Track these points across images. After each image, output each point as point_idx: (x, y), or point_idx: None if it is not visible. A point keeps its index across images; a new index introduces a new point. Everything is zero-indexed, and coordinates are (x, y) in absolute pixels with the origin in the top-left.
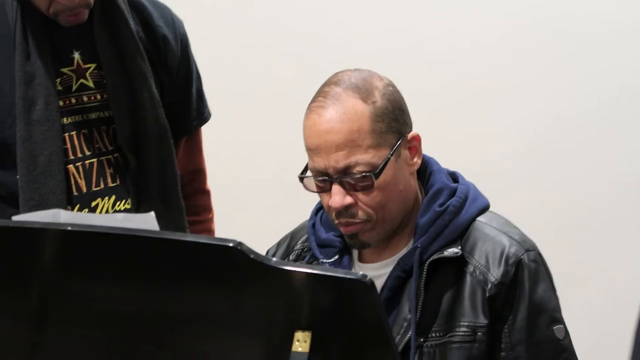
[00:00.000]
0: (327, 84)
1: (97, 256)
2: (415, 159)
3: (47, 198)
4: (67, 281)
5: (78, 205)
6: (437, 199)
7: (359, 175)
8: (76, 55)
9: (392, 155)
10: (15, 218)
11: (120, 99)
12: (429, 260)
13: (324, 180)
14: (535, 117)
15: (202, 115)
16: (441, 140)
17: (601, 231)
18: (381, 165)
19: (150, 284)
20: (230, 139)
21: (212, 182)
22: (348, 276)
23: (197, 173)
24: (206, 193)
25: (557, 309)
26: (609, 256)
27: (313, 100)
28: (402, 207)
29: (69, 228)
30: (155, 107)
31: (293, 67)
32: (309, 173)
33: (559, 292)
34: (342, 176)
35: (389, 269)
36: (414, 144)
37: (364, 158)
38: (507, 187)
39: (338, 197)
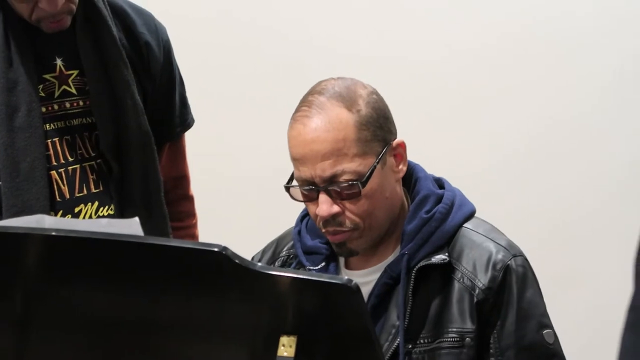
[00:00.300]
0: (311, 92)
1: (81, 261)
2: (400, 166)
3: (30, 204)
4: (51, 286)
5: (61, 211)
6: (423, 206)
7: (345, 184)
8: (59, 62)
9: (378, 163)
10: None
11: (102, 106)
12: (416, 267)
13: (311, 189)
14: (530, 119)
15: (186, 122)
16: (435, 144)
17: (594, 234)
18: (367, 174)
19: (135, 289)
20: (215, 144)
21: (196, 187)
22: (334, 281)
23: (180, 179)
24: (190, 199)
25: (545, 314)
26: (602, 259)
27: (297, 110)
28: (388, 214)
29: (53, 233)
30: (138, 114)
31: (280, 71)
32: (294, 182)
33: (552, 295)
34: (328, 185)
35: (376, 276)
36: (399, 151)
37: (350, 167)
38: (501, 190)
39: (325, 206)
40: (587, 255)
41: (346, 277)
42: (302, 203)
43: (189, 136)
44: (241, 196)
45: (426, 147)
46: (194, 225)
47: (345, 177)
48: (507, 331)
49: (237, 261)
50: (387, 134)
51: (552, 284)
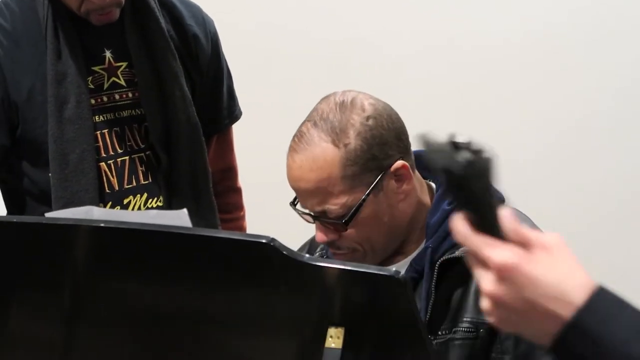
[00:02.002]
0: (308, 118)
1: (129, 253)
2: (404, 187)
3: (79, 196)
4: (100, 278)
5: (110, 203)
6: (446, 198)
7: (331, 221)
8: (107, 54)
9: (369, 194)
10: (48, 215)
11: (151, 98)
12: (439, 260)
13: (308, 214)
14: (554, 118)
15: (233, 114)
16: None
17: (622, 232)
18: (352, 211)
19: (183, 281)
20: (262, 137)
21: (244, 180)
22: (381, 272)
23: (228, 171)
24: (237, 191)
25: None
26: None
27: (293, 137)
28: (390, 236)
29: (102, 225)
30: (186, 106)
31: (316, 68)
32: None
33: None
34: (319, 217)
35: (404, 270)
36: (401, 173)
37: (337, 202)
38: (525, 188)
39: (320, 234)
40: (616, 254)
41: (394, 269)
42: None
43: (237, 128)
44: (289, 189)
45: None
46: (242, 217)
47: (332, 214)
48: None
49: (284, 252)
50: (382, 161)
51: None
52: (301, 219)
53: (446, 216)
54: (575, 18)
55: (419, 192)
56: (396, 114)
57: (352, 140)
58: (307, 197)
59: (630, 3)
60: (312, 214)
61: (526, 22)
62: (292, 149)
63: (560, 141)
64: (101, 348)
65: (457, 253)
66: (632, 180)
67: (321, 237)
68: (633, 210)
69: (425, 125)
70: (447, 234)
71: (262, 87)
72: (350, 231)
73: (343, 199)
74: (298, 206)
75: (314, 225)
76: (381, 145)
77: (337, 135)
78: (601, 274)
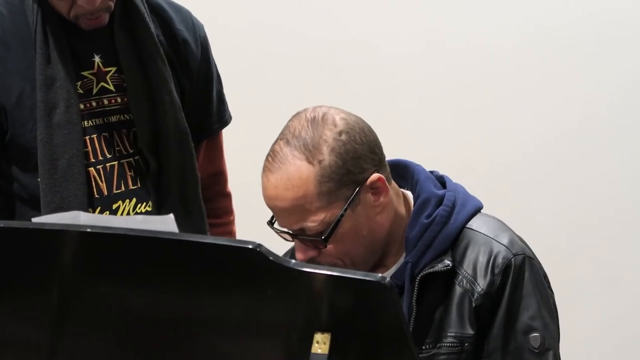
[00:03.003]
0: (280, 136)
1: (116, 258)
2: (381, 199)
3: (68, 201)
4: (87, 283)
5: (99, 208)
6: (424, 210)
7: (310, 238)
8: (97, 59)
9: (346, 209)
10: (35, 220)
11: (140, 102)
12: (420, 275)
13: (287, 233)
14: (550, 120)
15: (223, 119)
16: (453, 142)
17: (617, 235)
18: (331, 227)
19: (169, 286)
20: (251, 142)
21: (233, 184)
22: (367, 278)
23: (218, 176)
24: (227, 196)
25: (537, 315)
26: (623, 261)
27: (267, 156)
28: (371, 249)
29: (89, 230)
30: (175, 111)
31: (310, 69)
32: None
33: (572, 296)
34: (298, 235)
35: None
36: (377, 185)
37: (314, 219)
38: (518, 191)
39: (300, 253)
40: (609, 257)
41: (380, 275)
42: None
43: (227, 133)
44: None
45: (447, 142)
46: (232, 222)
47: (311, 231)
48: (495, 334)
49: (271, 258)
50: (357, 175)
51: (572, 285)
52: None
53: (424, 230)
54: (572, 20)
55: (395, 203)
56: (369, 127)
57: (326, 156)
58: (285, 215)
59: (628, 6)
60: (290, 232)
61: (521, 24)
62: (267, 169)
63: (558, 143)
64: (88, 353)
65: (437, 267)
66: (631, 182)
67: (301, 256)
68: (632, 214)
69: (421, 126)
70: (427, 247)
71: (253, 91)
72: (330, 247)
73: (321, 216)
74: (276, 225)
75: None
76: (355, 159)
77: (310, 152)
78: (599, 275)
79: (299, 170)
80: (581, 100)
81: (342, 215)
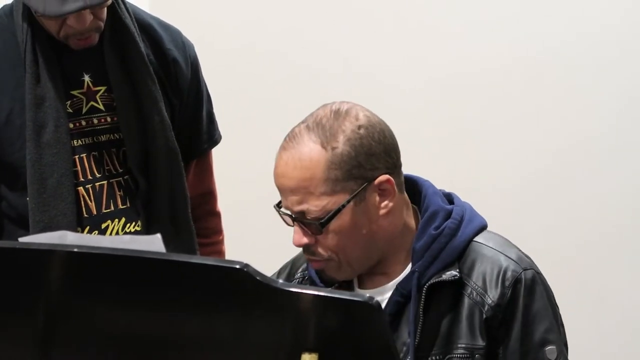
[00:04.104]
0: (303, 120)
1: (103, 278)
2: (386, 202)
3: (57, 220)
4: (73, 303)
5: (88, 227)
6: (432, 222)
7: (308, 221)
8: (86, 78)
9: (349, 201)
10: (22, 240)
11: (130, 122)
12: (427, 284)
13: (288, 215)
14: (549, 141)
15: (213, 138)
16: (454, 161)
17: (621, 253)
18: (330, 214)
19: (157, 306)
20: (241, 161)
21: (223, 204)
22: (355, 298)
23: (207, 195)
24: (216, 215)
25: (552, 329)
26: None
27: (285, 137)
28: (368, 251)
29: (75, 250)
30: (165, 130)
31: (300, 90)
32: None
33: (575, 313)
34: (298, 218)
35: (388, 294)
36: (385, 187)
37: (316, 204)
38: (520, 209)
39: (297, 236)
40: (613, 274)
41: (367, 295)
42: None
43: (216, 152)
44: (269, 213)
45: (450, 162)
46: (221, 242)
47: (310, 215)
48: (511, 348)
49: (258, 278)
50: (367, 172)
51: (577, 301)
52: (280, 243)
53: (432, 241)
54: (573, 41)
55: (404, 214)
56: (391, 131)
57: (341, 145)
58: (289, 194)
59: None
60: (291, 215)
61: (519, 46)
62: (282, 147)
63: (556, 163)
64: None
65: (444, 277)
66: (631, 200)
67: (298, 239)
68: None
69: (418, 146)
70: (434, 258)
71: (243, 110)
72: (326, 238)
73: (323, 202)
74: (282, 209)
75: (293, 249)
76: (369, 155)
77: (326, 138)
78: (596, 296)
79: (310, 152)
80: (578, 121)
81: (343, 206)
